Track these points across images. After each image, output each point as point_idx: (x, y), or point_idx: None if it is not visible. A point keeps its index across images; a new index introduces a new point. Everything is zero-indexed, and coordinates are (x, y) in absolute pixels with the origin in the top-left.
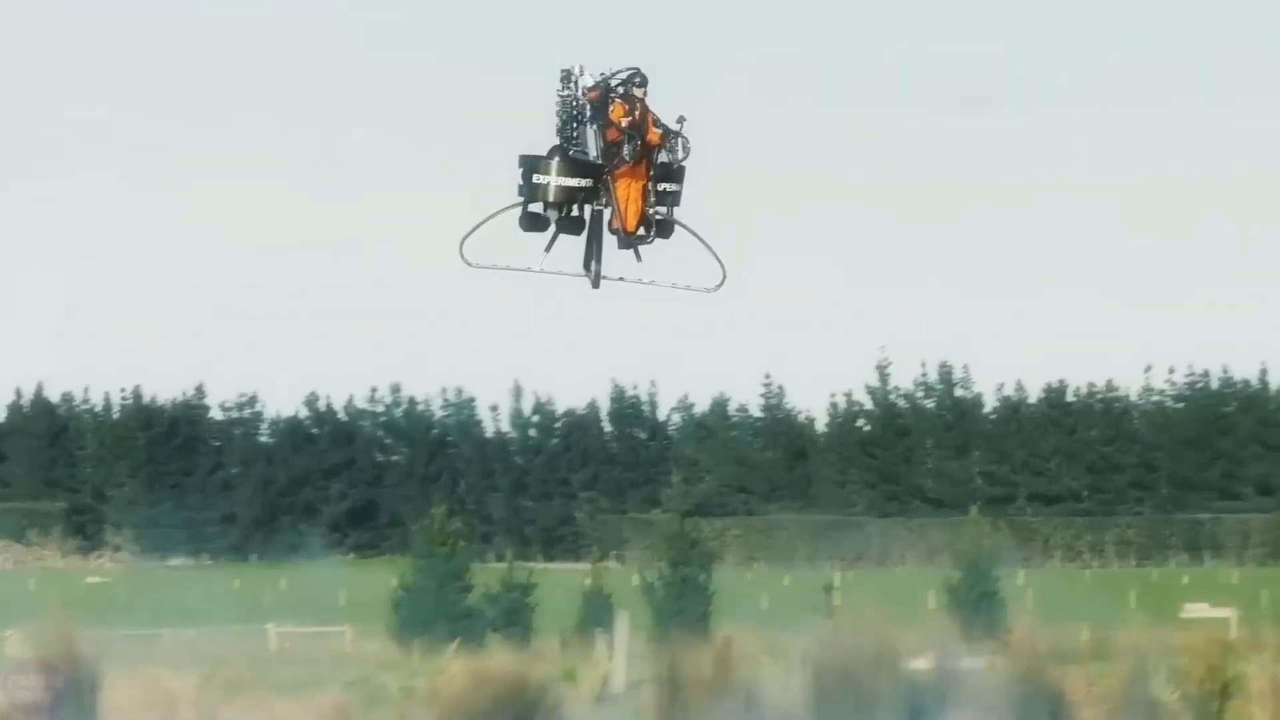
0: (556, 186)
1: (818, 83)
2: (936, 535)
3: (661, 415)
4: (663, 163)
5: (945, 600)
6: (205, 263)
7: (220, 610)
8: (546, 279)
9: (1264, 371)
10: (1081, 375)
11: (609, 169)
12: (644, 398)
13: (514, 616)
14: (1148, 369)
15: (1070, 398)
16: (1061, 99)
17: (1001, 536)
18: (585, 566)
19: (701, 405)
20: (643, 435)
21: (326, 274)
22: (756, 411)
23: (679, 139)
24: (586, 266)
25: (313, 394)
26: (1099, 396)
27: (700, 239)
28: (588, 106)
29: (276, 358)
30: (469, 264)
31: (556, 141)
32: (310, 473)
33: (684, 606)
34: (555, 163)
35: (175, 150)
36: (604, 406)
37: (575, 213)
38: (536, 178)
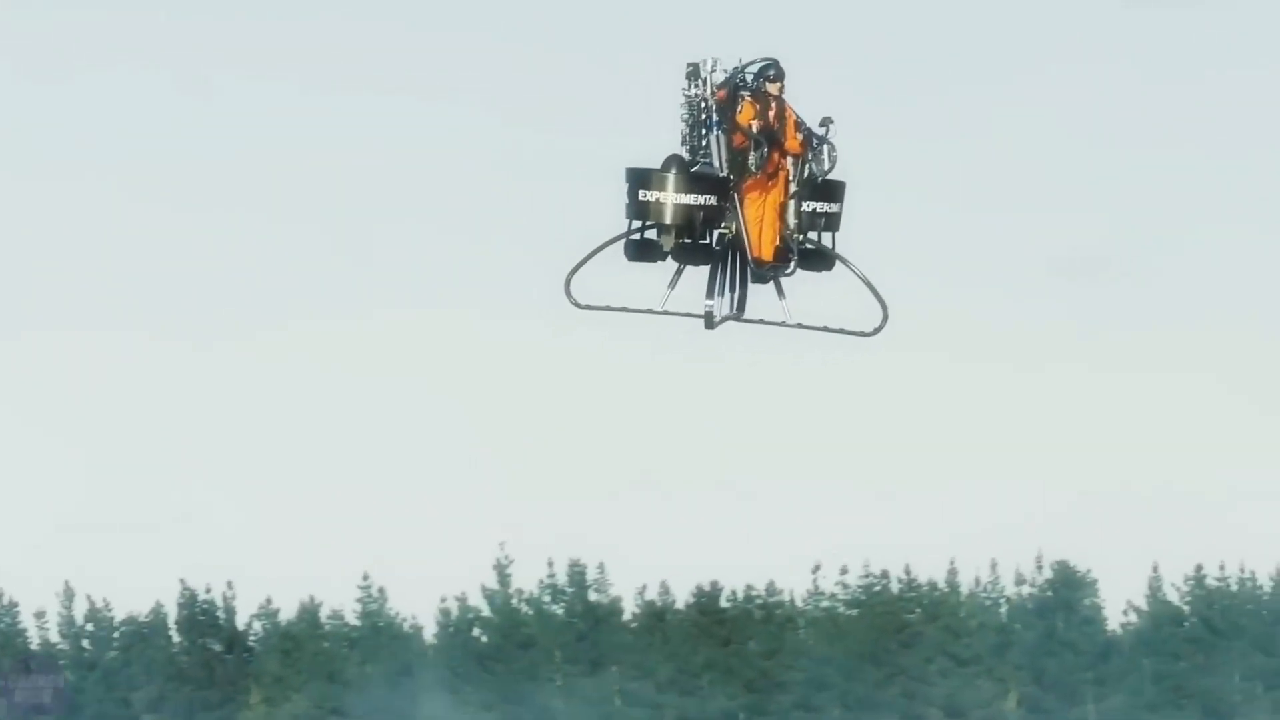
0: (673, 205)
1: None
2: None
3: (240, 623)
4: (810, 177)
5: None
6: None
7: None
8: None
9: (952, 572)
10: (737, 576)
11: (736, 183)
12: (219, 602)
13: None
14: (815, 569)
15: (725, 602)
16: None
17: None
18: None
19: (287, 611)
20: (218, 647)
21: None
22: (353, 618)
23: (825, 146)
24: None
25: None
26: (758, 601)
27: (856, 271)
28: (715, 108)
29: None
30: (578, 305)
31: (680, 151)
32: None
33: None
34: (671, 176)
35: None
36: (171, 612)
37: (703, 239)
38: (645, 194)
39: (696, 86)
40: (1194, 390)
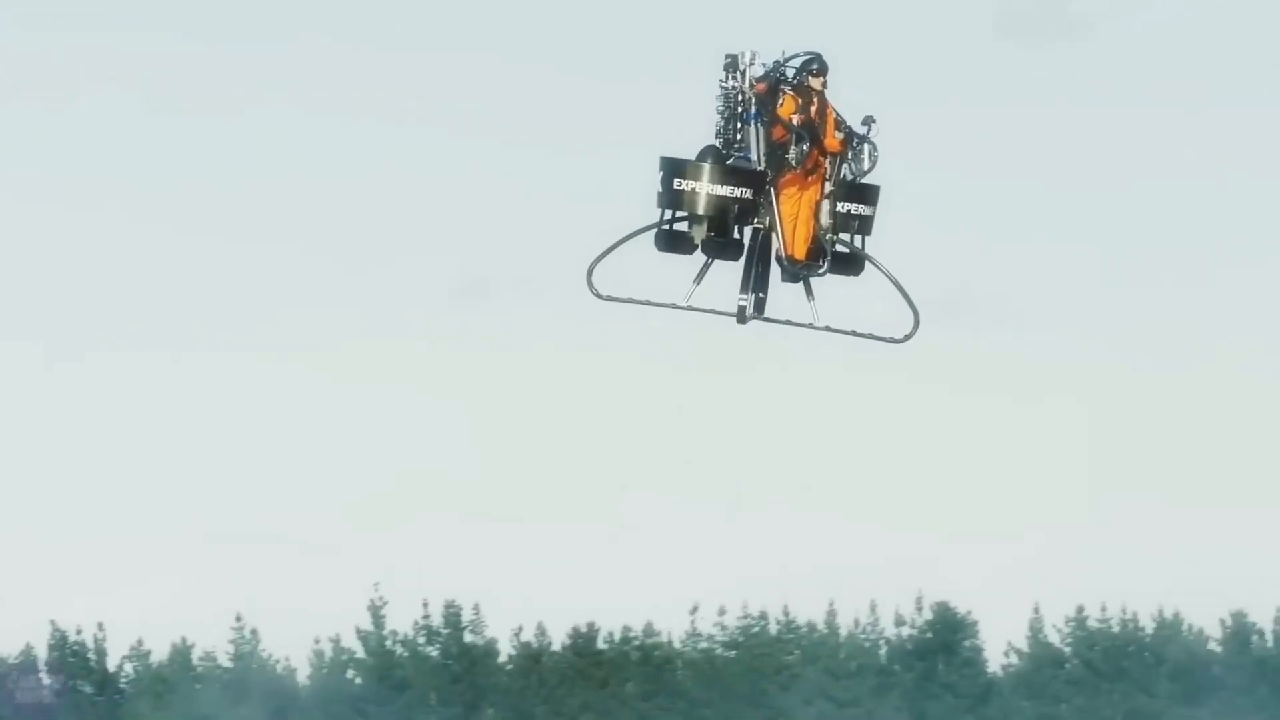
0: (707, 195)
1: None
2: None
3: (112, 664)
4: (848, 178)
5: None
6: None
7: None
8: None
9: (831, 613)
10: (615, 617)
11: (773, 178)
12: (90, 643)
13: None
14: (693, 610)
15: (601, 644)
16: None
17: None
18: None
19: (160, 653)
20: (89, 689)
21: None
22: (225, 660)
23: (865, 145)
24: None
25: None
26: (635, 642)
27: (890, 277)
28: (753, 100)
29: None
30: (599, 296)
31: (713, 142)
32: None
33: None
34: (707, 167)
35: None
36: (42, 654)
37: (732, 234)
38: (680, 183)
39: (734, 78)
40: (1073, 430)
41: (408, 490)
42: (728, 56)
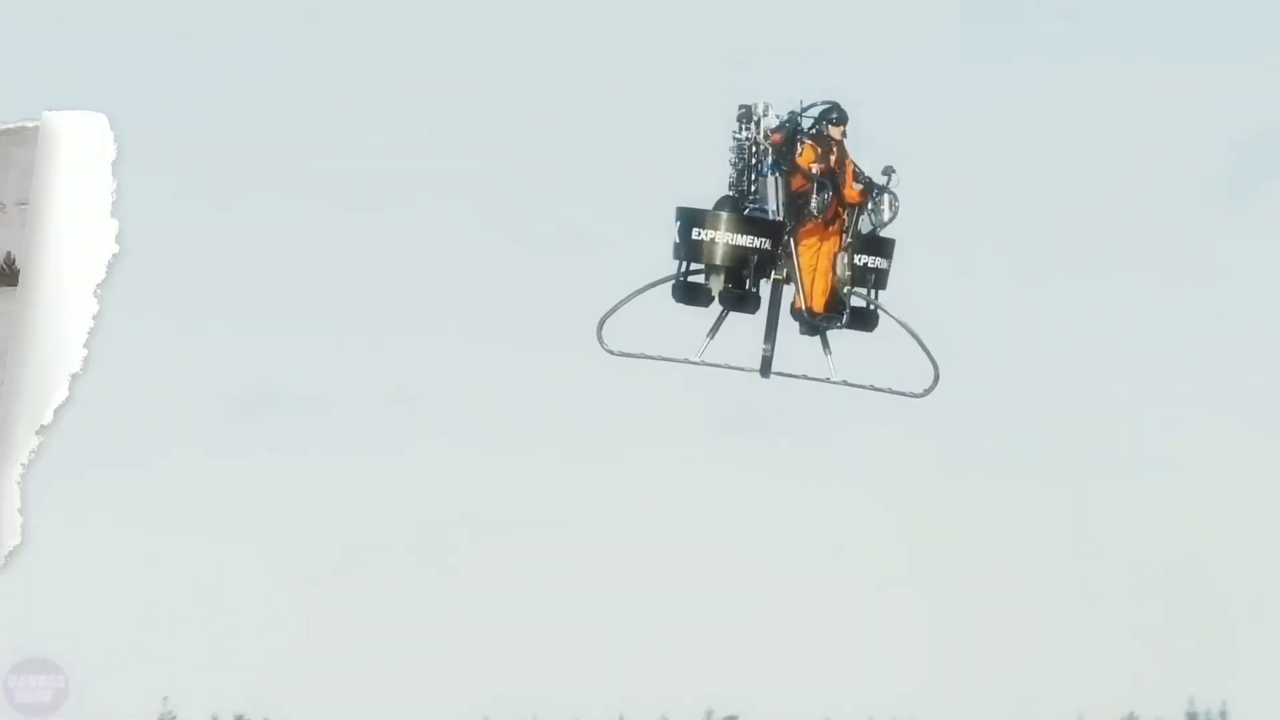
0: (725, 246)
1: None
2: None
3: None
4: (866, 230)
5: None
6: None
7: None
8: None
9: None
10: None
11: (791, 229)
12: None
13: None
14: None
15: None
16: None
17: None
18: None
19: None
20: None
21: None
22: None
23: (885, 196)
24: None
25: None
26: None
27: (909, 330)
28: (769, 152)
29: None
30: (609, 351)
31: (728, 193)
32: None
33: None
34: (725, 216)
35: None
36: None
37: (749, 286)
38: (699, 233)
39: (748, 130)
40: (876, 539)
41: (205, 603)
42: (741, 107)
